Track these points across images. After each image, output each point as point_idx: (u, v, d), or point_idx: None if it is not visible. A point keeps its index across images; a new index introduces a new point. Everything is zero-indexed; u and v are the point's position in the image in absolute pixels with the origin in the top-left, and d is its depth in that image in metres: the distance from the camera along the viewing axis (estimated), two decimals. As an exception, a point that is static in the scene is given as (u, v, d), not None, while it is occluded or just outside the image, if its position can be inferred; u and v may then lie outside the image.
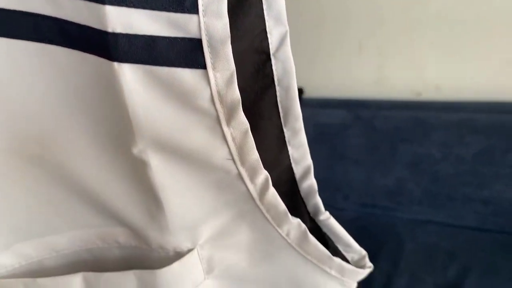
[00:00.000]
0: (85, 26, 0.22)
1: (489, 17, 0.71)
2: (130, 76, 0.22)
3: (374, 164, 0.82)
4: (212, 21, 0.22)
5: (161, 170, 0.25)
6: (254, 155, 0.24)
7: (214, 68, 0.22)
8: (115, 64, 0.22)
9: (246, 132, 0.24)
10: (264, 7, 0.25)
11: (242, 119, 0.23)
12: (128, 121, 0.23)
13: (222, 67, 0.22)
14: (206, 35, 0.22)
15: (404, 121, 0.79)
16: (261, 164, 0.25)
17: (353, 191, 0.82)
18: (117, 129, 0.24)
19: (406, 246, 0.71)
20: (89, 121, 0.25)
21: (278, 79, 0.26)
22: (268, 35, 0.25)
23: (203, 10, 0.22)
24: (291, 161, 0.28)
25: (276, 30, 0.25)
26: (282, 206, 0.26)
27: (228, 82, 0.23)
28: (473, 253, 0.67)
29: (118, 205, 0.27)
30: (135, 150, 0.24)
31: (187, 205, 0.26)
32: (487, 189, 0.74)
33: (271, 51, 0.26)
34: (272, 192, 0.26)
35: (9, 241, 0.30)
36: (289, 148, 0.28)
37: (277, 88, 0.27)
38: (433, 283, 0.65)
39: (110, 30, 0.22)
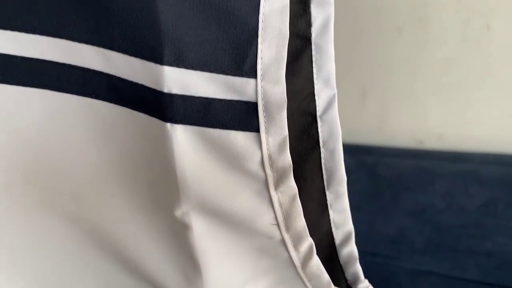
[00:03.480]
0: (138, 84, 0.22)
1: (494, 68, 0.73)
2: (182, 137, 0.22)
3: (376, 212, 0.81)
4: (269, 86, 0.22)
5: (203, 234, 0.24)
6: (300, 221, 0.24)
7: (267, 132, 0.22)
8: (168, 125, 0.22)
9: (294, 197, 0.23)
10: (314, 70, 0.25)
11: (291, 184, 0.23)
12: (174, 182, 0.22)
13: (275, 132, 0.22)
14: (262, 99, 0.22)
15: (407, 169, 0.79)
16: (307, 231, 0.24)
17: (354, 238, 0.80)
18: (159, 189, 0.23)
19: (408, 298, 0.69)
20: (129, 180, 0.24)
21: (323, 141, 0.26)
22: (316, 98, 0.25)
23: (261, 75, 0.22)
24: (332, 225, 0.27)
25: (324, 93, 0.25)
26: (326, 276, 0.25)
27: (280, 147, 0.22)
28: (477, 307, 0.66)
29: (153, 267, 0.26)
30: (178, 213, 0.23)
31: (226, 270, 0.25)
32: (491, 242, 0.74)
33: (318, 113, 0.26)
34: (316, 261, 0.25)
35: None
36: (330, 212, 0.27)
37: (322, 150, 0.26)
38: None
39: (166, 90, 0.21)
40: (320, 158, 0.26)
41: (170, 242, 0.25)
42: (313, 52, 0.25)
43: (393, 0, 0.75)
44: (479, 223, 0.71)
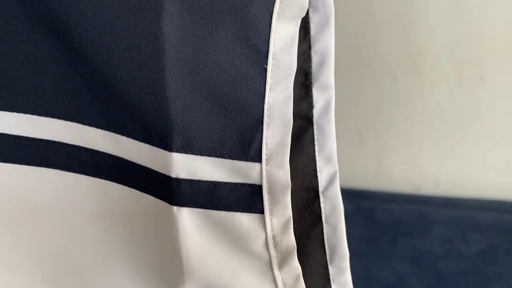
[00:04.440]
0: (146, 168, 0.22)
1: (488, 116, 0.74)
2: (187, 219, 0.22)
3: (375, 257, 0.81)
4: (274, 169, 0.22)
5: (207, 313, 0.24)
6: None
7: (271, 214, 0.22)
8: (174, 208, 0.22)
9: (298, 277, 0.23)
10: (316, 149, 0.26)
11: (295, 264, 0.23)
12: (179, 261, 0.23)
13: (279, 213, 0.23)
14: (267, 182, 0.22)
15: (405, 215, 0.79)
16: None
17: (352, 284, 0.79)
18: (163, 269, 0.24)
19: None
20: (133, 258, 0.24)
21: (325, 217, 0.27)
22: (318, 174, 0.26)
23: (266, 159, 0.22)
24: (333, 301, 0.27)
25: (326, 170, 0.26)
26: None
27: (284, 228, 0.23)
28: None
29: None
30: (183, 292, 0.23)
31: None
32: None
33: (320, 189, 0.26)
34: None
35: None
36: (333, 286, 0.27)
37: (325, 225, 0.27)
38: None
39: (173, 175, 0.22)
40: (323, 233, 0.27)
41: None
42: (315, 132, 0.26)
43: (388, 46, 0.77)
44: (478, 270, 0.71)
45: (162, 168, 0.22)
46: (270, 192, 0.23)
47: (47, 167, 0.24)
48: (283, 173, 0.23)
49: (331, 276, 0.27)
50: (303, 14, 0.22)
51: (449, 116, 0.76)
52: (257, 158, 0.23)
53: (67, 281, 0.25)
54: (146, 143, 0.23)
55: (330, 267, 0.27)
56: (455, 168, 0.78)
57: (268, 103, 0.22)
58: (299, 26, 0.22)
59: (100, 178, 0.24)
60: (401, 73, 0.78)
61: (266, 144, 0.22)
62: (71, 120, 0.24)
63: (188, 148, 0.22)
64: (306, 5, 0.22)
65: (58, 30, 0.23)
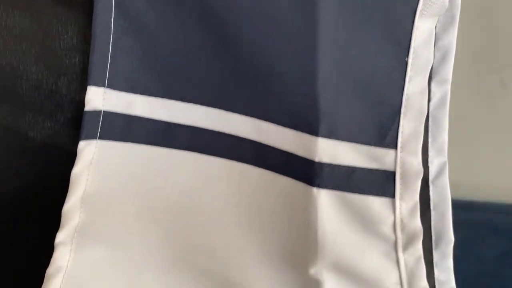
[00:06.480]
0: (288, 152, 0.24)
1: (509, 122, 0.76)
2: (325, 200, 0.24)
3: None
4: (408, 157, 0.24)
5: (334, 292, 0.25)
6: (423, 281, 0.25)
7: (401, 198, 0.24)
8: (314, 189, 0.23)
9: (419, 259, 0.25)
10: (430, 139, 0.27)
11: (418, 246, 0.25)
12: (314, 242, 0.24)
13: (408, 198, 0.24)
14: (400, 168, 0.24)
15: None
16: None
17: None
18: (295, 248, 0.25)
19: None
20: (264, 238, 0.25)
21: (434, 205, 0.28)
22: (429, 164, 0.27)
23: (401, 147, 0.24)
24: (436, 283, 0.29)
25: (437, 160, 0.28)
26: None
27: (412, 212, 0.24)
28: None
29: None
30: (312, 271, 0.24)
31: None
32: None
33: (430, 178, 0.28)
34: None
35: None
36: (435, 270, 0.29)
37: (432, 213, 0.28)
38: None
39: (317, 160, 0.23)
40: (430, 220, 0.28)
41: (299, 299, 0.26)
42: (430, 123, 0.27)
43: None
44: (497, 274, 0.72)
45: (305, 153, 0.24)
46: (403, 178, 0.24)
47: (188, 151, 0.25)
48: (416, 160, 0.24)
49: (434, 261, 0.29)
50: (442, 12, 0.24)
51: (469, 122, 0.78)
52: (393, 145, 0.24)
53: (196, 259, 0.26)
54: (291, 128, 0.24)
55: (434, 253, 0.29)
56: (475, 172, 0.80)
57: (406, 94, 0.24)
58: (435, 23, 0.24)
59: (239, 161, 0.25)
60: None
61: (402, 132, 0.24)
62: (214, 106, 0.25)
63: (332, 134, 0.24)
64: (446, 5, 0.24)
65: (211, 19, 0.24)
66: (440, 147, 0.28)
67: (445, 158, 0.28)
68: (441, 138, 0.28)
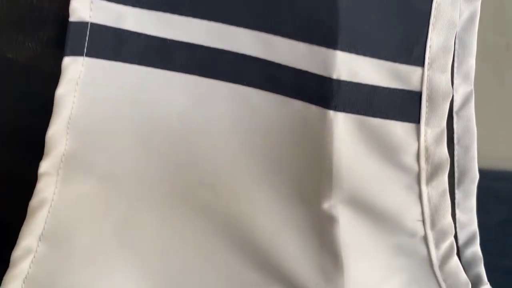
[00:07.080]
0: (301, 71, 0.21)
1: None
2: (342, 124, 0.21)
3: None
4: (436, 75, 0.21)
5: (349, 228, 0.23)
6: (447, 218, 0.23)
7: (427, 124, 0.21)
8: (331, 112, 0.21)
9: (444, 192, 0.23)
10: (455, 64, 0.25)
11: (444, 179, 0.22)
12: (328, 172, 0.22)
13: (434, 123, 0.21)
14: (427, 88, 0.21)
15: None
16: (453, 229, 0.23)
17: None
18: (307, 180, 0.22)
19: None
20: (273, 170, 0.23)
21: (458, 138, 0.26)
22: (454, 92, 0.25)
23: (428, 63, 0.21)
24: (457, 225, 0.26)
25: (462, 88, 0.25)
26: (463, 276, 0.24)
27: (438, 139, 0.22)
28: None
29: (288, 262, 0.24)
30: (326, 205, 0.22)
31: (364, 269, 0.24)
32: (509, 259, 0.74)
33: (454, 109, 0.25)
34: (456, 259, 0.24)
35: None
36: (457, 211, 0.26)
37: (456, 147, 0.26)
38: None
39: (335, 76, 0.21)
40: (453, 154, 0.26)
41: (311, 236, 0.24)
42: (456, 46, 0.24)
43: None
44: (498, 240, 0.71)
45: (322, 70, 0.21)
46: (430, 99, 0.22)
47: (184, 73, 0.22)
48: (445, 79, 0.21)
49: (456, 201, 0.26)
50: None
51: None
52: (419, 62, 0.21)
53: (200, 196, 0.23)
54: (305, 42, 0.21)
55: (456, 191, 0.26)
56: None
57: (436, 1, 0.21)
58: None
59: (243, 85, 0.22)
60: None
61: (430, 46, 0.21)
62: (214, 19, 0.22)
63: (352, 47, 0.21)
64: None
65: None
66: (466, 74, 0.25)
67: (471, 86, 0.26)
68: (468, 63, 0.25)
